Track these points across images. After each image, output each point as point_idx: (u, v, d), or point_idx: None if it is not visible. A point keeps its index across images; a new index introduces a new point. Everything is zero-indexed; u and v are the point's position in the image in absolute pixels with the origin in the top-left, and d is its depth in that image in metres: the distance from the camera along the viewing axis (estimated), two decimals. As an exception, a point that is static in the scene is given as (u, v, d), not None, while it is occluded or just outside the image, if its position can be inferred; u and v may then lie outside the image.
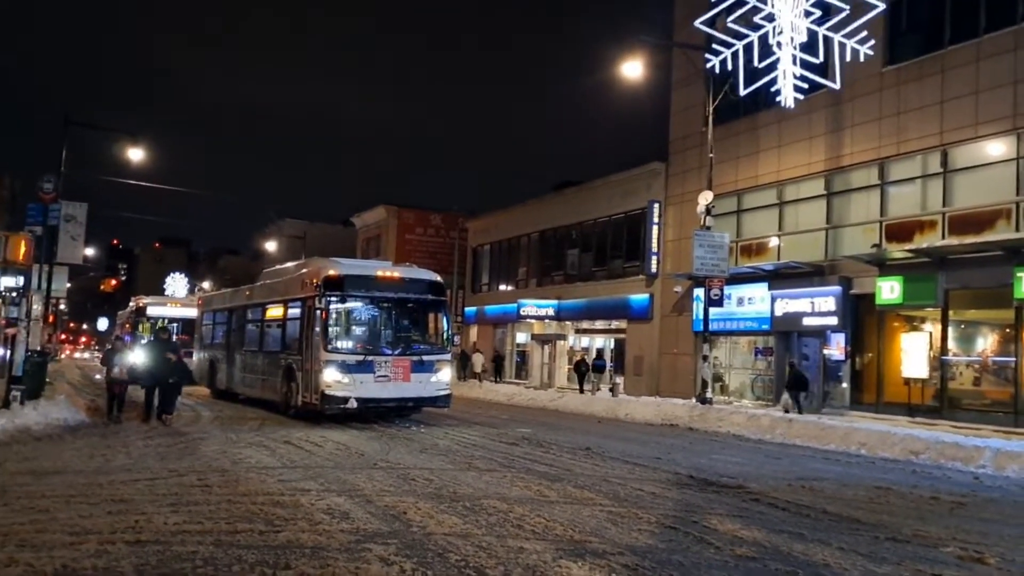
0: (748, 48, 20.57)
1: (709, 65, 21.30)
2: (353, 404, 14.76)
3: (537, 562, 5.79)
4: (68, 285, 34.41)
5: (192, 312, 28.74)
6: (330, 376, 14.70)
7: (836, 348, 21.68)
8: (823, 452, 14.14)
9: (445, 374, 15.96)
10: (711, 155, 22.20)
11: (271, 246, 59.99)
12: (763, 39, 20.41)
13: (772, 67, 20.37)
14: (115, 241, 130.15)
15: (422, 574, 5.40)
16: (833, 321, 21.34)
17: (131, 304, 34.05)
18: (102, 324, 58.85)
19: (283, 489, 8.33)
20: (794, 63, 20.21)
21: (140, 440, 12.21)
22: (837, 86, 21.04)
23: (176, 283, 69.99)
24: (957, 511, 8.62)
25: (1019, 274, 16.82)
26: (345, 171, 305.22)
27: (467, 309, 41.35)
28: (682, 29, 26.48)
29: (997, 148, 18.46)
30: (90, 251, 48.23)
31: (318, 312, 15.02)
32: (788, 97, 20.38)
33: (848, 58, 19.80)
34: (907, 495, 9.52)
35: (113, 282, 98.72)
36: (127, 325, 31.44)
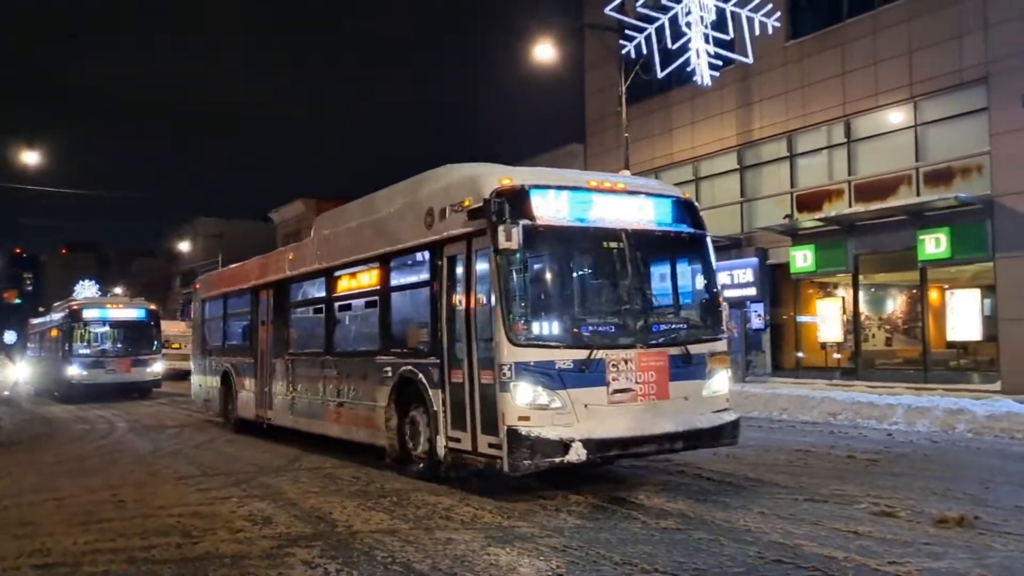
0: (660, 31, 20.74)
1: (624, 51, 21.44)
2: (579, 453, 7.11)
3: (465, 552, 5.75)
4: (-33, 299, 32.39)
5: (135, 313, 26.17)
6: (525, 396, 7.17)
7: (755, 317, 22.23)
8: (747, 420, 14.27)
9: (722, 379, 8.35)
10: (626, 135, 22.38)
11: (186, 247, 58.25)
12: (673, 20, 20.62)
13: (686, 47, 20.61)
14: (17, 250, 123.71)
15: (347, 574, 5.30)
16: (752, 292, 21.82)
17: (61, 309, 28.01)
18: (9, 337, 56.01)
19: (202, 499, 8.06)
20: (706, 41, 20.46)
21: (50, 457, 11.67)
22: (751, 60, 21.41)
23: (86, 290, 66.91)
24: (871, 468, 8.95)
25: (921, 237, 17.49)
26: (256, 163, 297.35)
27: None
28: (594, 12, 26.54)
29: (896, 117, 19.11)
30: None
31: (484, 265, 7.66)
32: (704, 75, 20.62)
33: (757, 32, 20.18)
34: (825, 456, 9.85)
35: (17, 292, 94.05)
36: (55, 333, 26.61)
